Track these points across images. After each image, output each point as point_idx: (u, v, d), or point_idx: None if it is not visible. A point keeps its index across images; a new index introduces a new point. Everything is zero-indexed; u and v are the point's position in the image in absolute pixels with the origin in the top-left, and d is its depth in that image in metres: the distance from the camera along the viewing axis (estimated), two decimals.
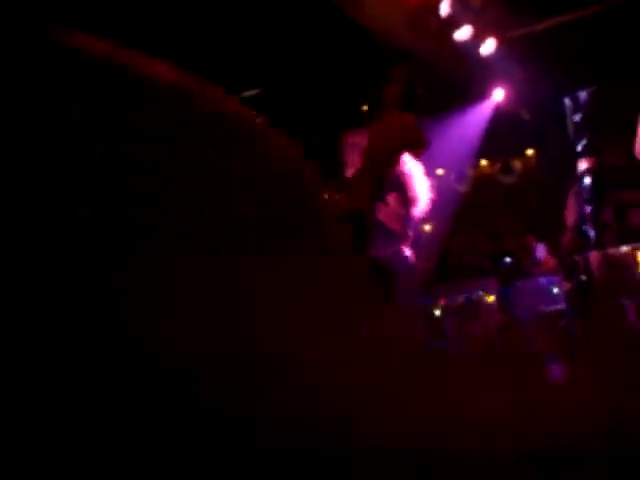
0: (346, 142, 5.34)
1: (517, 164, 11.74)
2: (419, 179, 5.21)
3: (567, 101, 6.21)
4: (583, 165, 6.05)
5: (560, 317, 6.01)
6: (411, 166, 5.20)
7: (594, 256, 4.73)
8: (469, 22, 7.94)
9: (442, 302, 8.38)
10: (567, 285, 5.04)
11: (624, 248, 4.87)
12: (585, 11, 7.51)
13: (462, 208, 9.81)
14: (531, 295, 7.19)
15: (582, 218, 5.96)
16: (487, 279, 8.19)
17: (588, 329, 4.74)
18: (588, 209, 6.03)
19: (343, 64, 8.68)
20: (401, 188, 5.07)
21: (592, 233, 5.95)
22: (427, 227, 8.75)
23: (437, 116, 8.97)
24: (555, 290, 6.75)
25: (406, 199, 5.11)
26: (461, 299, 8.32)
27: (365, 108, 9.50)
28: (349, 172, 5.33)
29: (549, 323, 6.47)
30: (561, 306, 6.15)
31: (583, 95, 6.19)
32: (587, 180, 5.97)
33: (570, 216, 8.03)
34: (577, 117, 6.24)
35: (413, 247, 5.17)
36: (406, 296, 5.07)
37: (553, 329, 6.30)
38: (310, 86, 9.11)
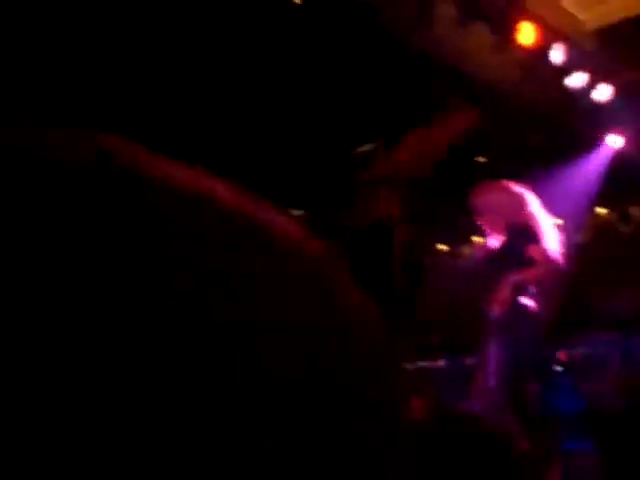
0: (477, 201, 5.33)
1: (636, 211, 11.41)
2: (549, 232, 5.13)
3: None
4: None
5: None
6: (541, 219, 5.13)
7: None
8: (582, 69, 7.81)
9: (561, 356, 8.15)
10: None
11: None
12: None
13: (582, 258, 9.58)
14: None
15: None
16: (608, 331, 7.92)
17: None
18: None
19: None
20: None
21: None
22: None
23: (552, 165, 8.86)
24: None
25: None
26: (579, 351, 8.07)
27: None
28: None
29: None
30: None
31: None
32: None
33: None
34: None
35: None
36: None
37: None
38: None
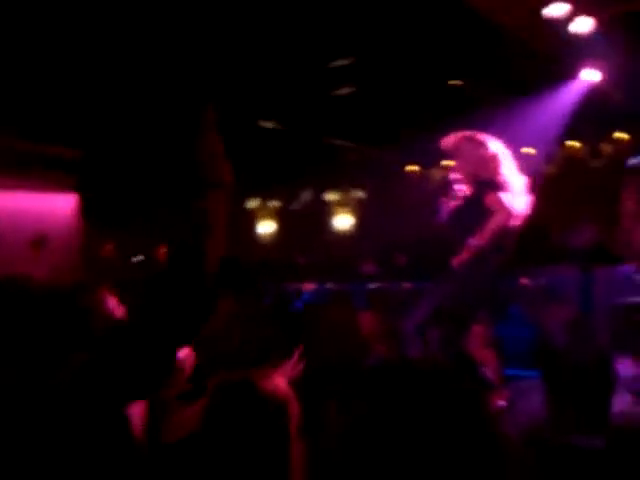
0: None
1: (607, 147, 11.42)
2: (518, 193, 5.16)
3: None
4: None
5: (636, 311, 5.87)
6: (512, 179, 5.15)
7: None
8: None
9: (524, 283, 8.28)
10: None
11: None
12: None
13: (548, 188, 9.62)
14: (610, 284, 7.03)
15: None
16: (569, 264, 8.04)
17: None
18: None
19: None
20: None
21: None
22: None
23: (526, 94, 8.82)
24: (637, 280, 6.58)
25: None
26: (543, 282, 8.19)
27: None
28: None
29: (623, 316, 6.33)
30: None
31: None
32: None
33: (629, 204, 7.87)
34: None
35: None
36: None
37: (625, 323, 6.17)
38: None
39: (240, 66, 9.35)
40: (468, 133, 5.32)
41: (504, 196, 4.96)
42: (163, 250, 10.69)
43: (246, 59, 9.16)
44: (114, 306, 3.17)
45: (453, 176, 5.28)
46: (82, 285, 3.35)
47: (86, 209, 10.80)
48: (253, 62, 9.28)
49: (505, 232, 5.14)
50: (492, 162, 5.09)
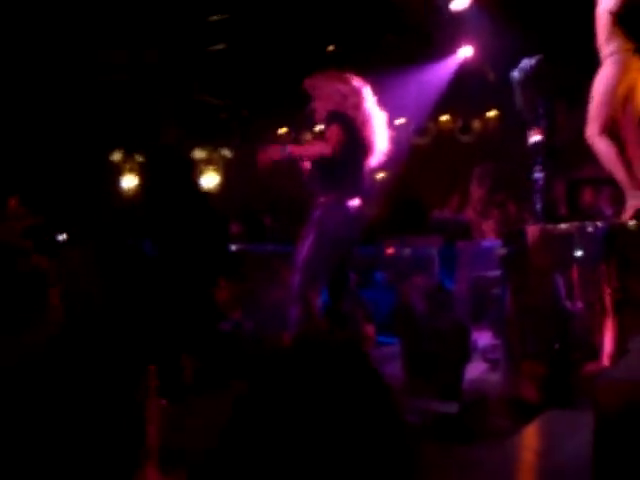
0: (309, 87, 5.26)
1: (477, 124, 11.74)
2: (379, 128, 5.15)
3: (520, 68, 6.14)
4: (535, 137, 6.01)
5: (496, 285, 6.03)
6: (372, 115, 5.13)
7: (532, 229, 4.72)
8: None
9: (389, 252, 8.40)
10: (503, 252, 5.05)
11: (563, 225, 4.88)
12: None
13: (418, 160, 9.81)
14: (471, 258, 7.21)
15: (534, 190, 5.96)
16: (433, 236, 8.19)
17: (518, 300, 4.76)
18: (539, 181, 6.02)
19: None
20: (354, 132, 5.00)
21: (539, 206, 5.96)
22: (380, 175, 8.75)
23: (402, 65, 8.89)
24: (496, 255, 6.75)
25: (359, 145, 5.04)
26: (408, 252, 8.33)
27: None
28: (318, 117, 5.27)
29: (482, 289, 6.52)
30: (499, 273, 6.16)
31: (532, 62, 6.12)
32: (539, 152, 5.94)
33: (475, 192, 8.17)
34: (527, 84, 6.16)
35: (364, 195, 5.15)
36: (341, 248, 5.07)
37: (485, 296, 6.35)
38: None
39: (110, 18, 8.98)
40: (331, 71, 5.30)
41: (342, 131, 4.91)
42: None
43: (114, 11, 8.80)
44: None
45: (317, 117, 5.23)
46: None
47: None
48: (122, 13, 8.92)
49: (366, 177, 5.17)
50: (353, 97, 5.07)
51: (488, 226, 8.45)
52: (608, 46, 4.57)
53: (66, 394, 2.08)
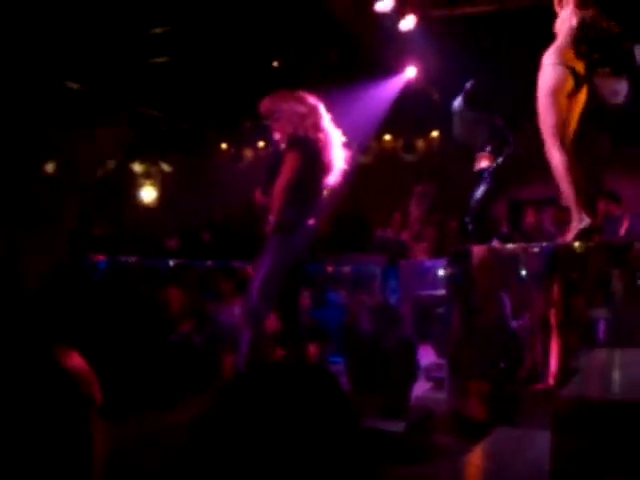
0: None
1: (420, 143, 11.90)
2: (336, 148, 5.14)
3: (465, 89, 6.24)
4: (482, 162, 6.11)
5: (439, 304, 6.07)
6: (331, 134, 5.12)
7: (477, 249, 4.77)
8: None
9: (329, 270, 8.41)
10: (449, 272, 5.09)
11: (508, 245, 4.94)
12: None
13: (361, 179, 9.84)
14: (414, 277, 7.27)
15: (475, 210, 6.04)
16: (376, 255, 8.24)
17: (464, 319, 4.80)
18: (476, 203, 6.11)
19: None
20: (314, 153, 4.97)
21: (470, 227, 6.06)
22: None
23: (346, 85, 8.93)
24: (438, 275, 6.83)
25: (318, 165, 5.02)
26: (347, 270, 8.36)
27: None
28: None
29: (424, 308, 6.56)
30: (442, 292, 6.21)
31: (467, 87, 6.22)
32: (486, 174, 6.03)
33: (413, 212, 8.27)
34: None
35: (318, 214, 5.14)
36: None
37: (429, 315, 6.40)
38: None
39: (53, 25, 8.83)
40: (284, 92, 5.26)
41: (299, 157, 4.90)
42: None
43: (60, 20, 8.66)
44: None
45: (276, 137, 5.19)
46: None
47: None
48: (66, 23, 8.78)
49: (324, 187, 5.15)
50: (310, 117, 5.05)
51: (421, 249, 8.56)
52: (548, 58, 4.64)
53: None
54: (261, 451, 1.33)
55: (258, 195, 5.14)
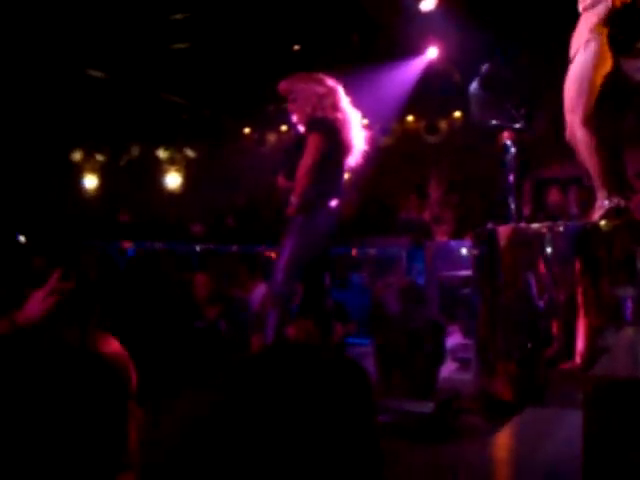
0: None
1: (443, 124, 11.83)
2: (356, 128, 5.15)
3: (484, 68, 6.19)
4: (505, 137, 6.07)
5: (465, 284, 6.08)
6: (350, 114, 5.12)
7: (503, 230, 4.76)
8: None
9: (353, 252, 8.43)
10: (474, 252, 5.08)
11: (534, 225, 4.92)
12: None
13: (384, 160, 9.83)
14: (439, 257, 7.26)
15: (506, 189, 6.01)
16: (401, 237, 8.23)
17: (490, 300, 4.80)
18: (511, 181, 6.07)
19: None
20: (334, 134, 4.98)
21: (513, 205, 6.02)
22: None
23: (368, 67, 8.91)
24: (464, 255, 6.82)
25: (339, 146, 5.03)
26: (372, 252, 8.37)
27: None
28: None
29: (450, 289, 6.56)
30: (468, 273, 6.21)
31: (485, 68, 6.18)
32: (511, 151, 5.99)
33: (433, 193, 8.24)
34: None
35: (342, 196, 5.15)
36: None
37: (453, 295, 6.39)
38: None
39: (74, 13, 8.86)
40: (303, 73, 5.28)
41: (321, 138, 4.91)
42: None
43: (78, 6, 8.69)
44: None
45: (294, 119, 5.21)
46: None
47: None
48: (85, 9, 8.81)
49: (345, 170, 5.16)
50: (329, 98, 5.06)
51: (441, 231, 8.55)
52: (584, 38, 4.57)
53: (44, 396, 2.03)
54: (268, 439, 1.35)
55: (280, 179, 5.16)
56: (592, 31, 4.53)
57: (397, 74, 9.59)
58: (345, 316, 6.33)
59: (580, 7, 4.63)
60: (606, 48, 4.51)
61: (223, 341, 5.57)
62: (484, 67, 6.25)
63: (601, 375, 2.36)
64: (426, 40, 9.28)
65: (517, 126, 5.99)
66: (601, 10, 4.55)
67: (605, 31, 4.52)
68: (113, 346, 2.16)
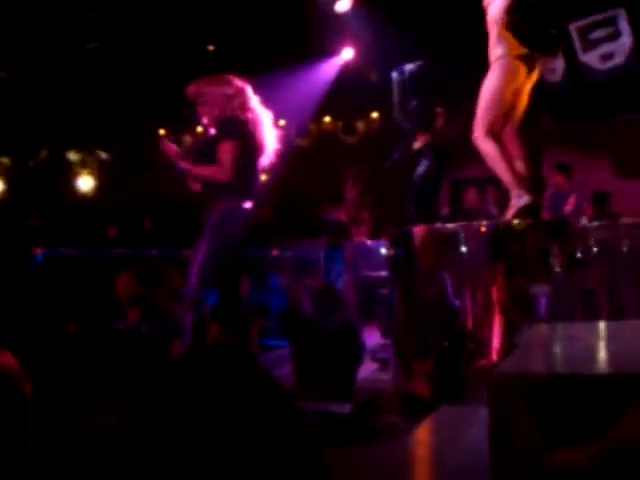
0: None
1: (360, 125, 11.88)
2: (267, 128, 5.10)
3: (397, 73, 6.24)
4: (418, 142, 6.14)
5: (383, 285, 6.10)
6: (260, 114, 5.08)
7: (418, 230, 4.79)
8: None
9: (273, 254, 8.38)
10: (390, 253, 5.11)
11: (450, 225, 4.97)
12: None
13: (300, 161, 9.82)
14: (358, 258, 7.28)
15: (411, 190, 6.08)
16: (319, 238, 8.21)
17: (407, 300, 4.82)
18: (418, 184, 6.14)
19: None
20: (247, 135, 4.93)
21: (411, 208, 6.09)
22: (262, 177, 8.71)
23: (284, 67, 8.88)
24: (382, 256, 6.84)
25: (252, 146, 4.98)
26: (291, 254, 8.33)
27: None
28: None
29: (368, 289, 6.58)
30: (385, 273, 6.23)
31: (411, 67, 6.23)
32: (426, 156, 6.06)
33: (349, 194, 8.32)
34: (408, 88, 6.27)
35: (256, 197, 5.11)
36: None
37: (373, 296, 6.42)
38: None
39: None
40: (211, 75, 5.24)
41: (235, 146, 4.88)
42: None
43: None
44: None
45: (204, 122, 5.16)
46: None
47: None
48: None
49: (259, 171, 5.14)
50: (237, 98, 5.02)
51: (360, 232, 8.59)
52: (496, 50, 4.66)
53: None
54: (188, 445, 1.30)
55: (194, 184, 5.10)
56: (500, 41, 4.62)
57: (312, 75, 9.58)
58: (262, 317, 6.28)
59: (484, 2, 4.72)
60: (517, 64, 4.62)
61: (143, 345, 5.44)
62: (407, 68, 6.28)
63: (504, 372, 2.37)
64: (341, 41, 9.30)
65: (436, 127, 6.06)
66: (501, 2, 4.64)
67: (513, 41, 4.61)
68: (6, 359, 2.08)
